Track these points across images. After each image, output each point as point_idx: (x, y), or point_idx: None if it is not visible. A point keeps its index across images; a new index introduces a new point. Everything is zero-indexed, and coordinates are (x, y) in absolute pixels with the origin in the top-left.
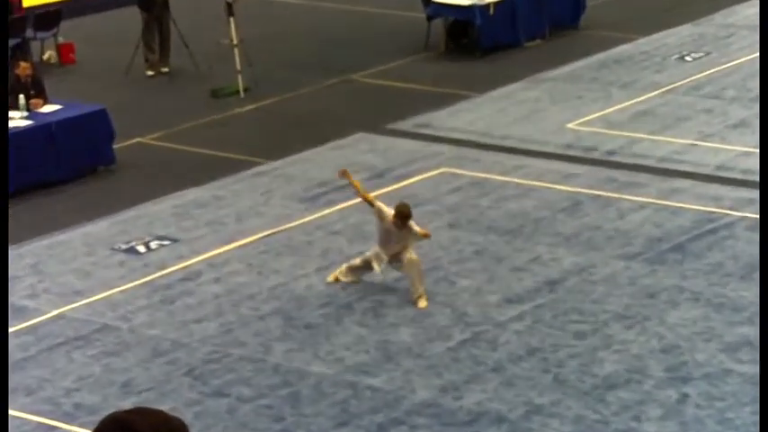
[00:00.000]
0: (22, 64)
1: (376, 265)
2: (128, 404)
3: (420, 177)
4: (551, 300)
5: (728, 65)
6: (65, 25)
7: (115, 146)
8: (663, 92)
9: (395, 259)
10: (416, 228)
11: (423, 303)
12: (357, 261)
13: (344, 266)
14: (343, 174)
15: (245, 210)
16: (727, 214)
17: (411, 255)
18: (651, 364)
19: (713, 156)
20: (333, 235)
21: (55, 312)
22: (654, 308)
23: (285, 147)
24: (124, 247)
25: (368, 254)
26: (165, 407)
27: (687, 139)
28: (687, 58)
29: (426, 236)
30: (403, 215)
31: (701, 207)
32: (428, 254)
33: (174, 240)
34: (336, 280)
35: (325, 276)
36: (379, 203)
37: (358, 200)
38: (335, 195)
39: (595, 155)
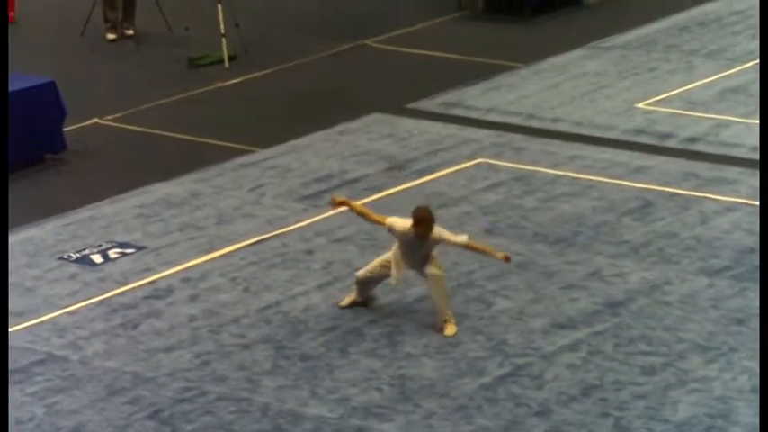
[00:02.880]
0: None
1: (395, 271)
2: None
3: (450, 170)
4: (613, 325)
5: None
6: None
7: (66, 129)
8: (759, 63)
9: (417, 274)
10: (454, 238)
11: (450, 329)
12: (371, 269)
13: (357, 283)
14: (338, 203)
15: (228, 210)
16: None
17: (434, 269)
18: (739, 408)
19: None
20: (338, 242)
21: None
22: (743, 336)
23: (280, 131)
24: (75, 255)
25: (387, 255)
26: None
27: None
28: None
29: (492, 254)
30: (424, 220)
31: None
32: (458, 267)
33: (139, 248)
34: (354, 304)
35: (328, 294)
36: (390, 219)
37: (371, 198)
38: (342, 192)
39: (672, 143)
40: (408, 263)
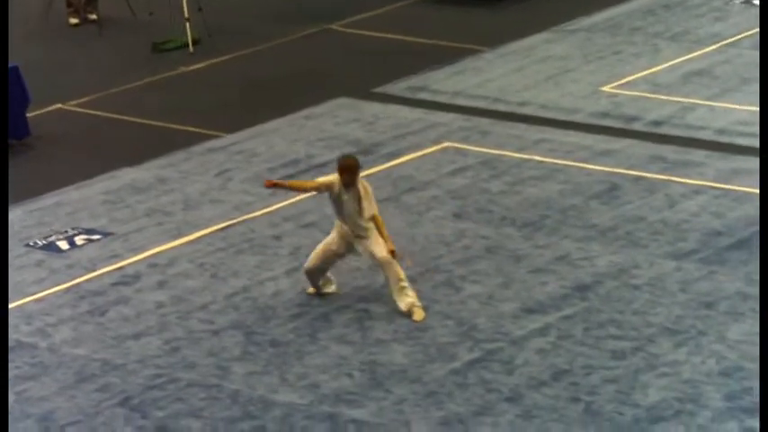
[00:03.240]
0: None
1: (340, 243)
2: None
3: (417, 154)
4: (582, 309)
5: None
6: None
7: (30, 114)
8: (724, 45)
9: (358, 242)
10: (368, 201)
11: (419, 314)
12: (316, 258)
13: (306, 274)
14: (272, 185)
15: (195, 196)
16: None
17: (380, 250)
18: (708, 392)
19: None
20: (306, 228)
21: None
22: (711, 320)
23: (245, 116)
24: (42, 242)
25: (328, 238)
26: None
27: (755, 105)
28: (755, 2)
29: (387, 245)
30: (348, 167)
31: None
32: (426, 251)
33: (106, 234)
34: (316, 292)
35: (296, 280)
36: (321, 178)
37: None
38: (310, 177)
39: (638, 126)
40: (347, 223)
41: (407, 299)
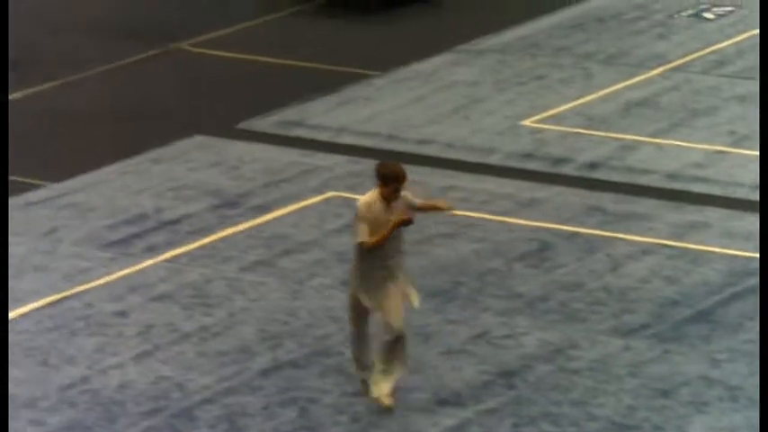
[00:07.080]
0: None
1: (366, 301)
2: None
3: (294, 207)
4: (509, 400)
5: None
6: None
7: None
8: (670, 69)
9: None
10: (416, 200)
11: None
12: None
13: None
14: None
15: (14, 262)
16: None
17: (398, 319)
18: None
19: (751, 169)
20: (158, 300)
21: None
22: (669, 412)
23: (76, 160)
24: None
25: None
26: None
27: (711, 143)
28: (707, 15)
29: (441, 208)
30: (397, 176)
31: (736, 252)
32: (312, 329)
33: None
34: (379, 401)
35: (148, 367)
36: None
37: (202, 241)
38: (162, 236)
39: (569, 169)
40: (388, 259)
41: (386, 385)
